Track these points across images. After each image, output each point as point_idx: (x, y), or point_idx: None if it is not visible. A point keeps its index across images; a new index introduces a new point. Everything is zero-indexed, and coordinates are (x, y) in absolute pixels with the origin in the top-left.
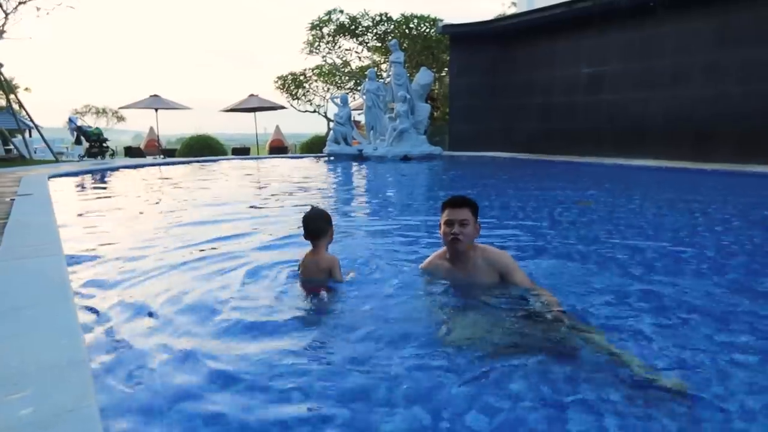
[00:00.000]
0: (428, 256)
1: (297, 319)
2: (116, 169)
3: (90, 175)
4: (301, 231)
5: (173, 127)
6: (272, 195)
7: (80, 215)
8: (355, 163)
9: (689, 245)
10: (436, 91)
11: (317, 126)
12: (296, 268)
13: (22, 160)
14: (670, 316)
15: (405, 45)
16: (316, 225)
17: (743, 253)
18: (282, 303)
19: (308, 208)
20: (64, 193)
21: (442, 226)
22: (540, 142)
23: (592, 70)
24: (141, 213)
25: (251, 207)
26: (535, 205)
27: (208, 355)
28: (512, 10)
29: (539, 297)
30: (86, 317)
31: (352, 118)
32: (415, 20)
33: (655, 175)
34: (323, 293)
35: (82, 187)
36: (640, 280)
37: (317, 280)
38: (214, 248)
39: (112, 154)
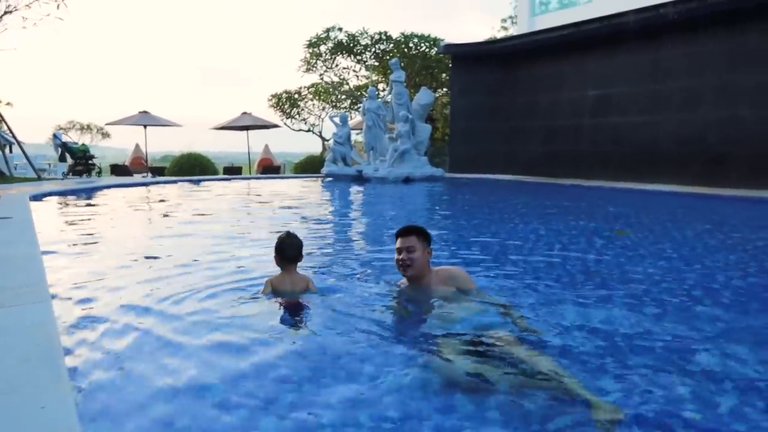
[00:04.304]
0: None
1: (286, 332)
2: (103, 188)
3: (75, 195)
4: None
5: (158, 145)
6: (274, 219)
7: (66, 244)
8: (355, 185)
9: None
10: (434, 111)
11: (309, 145)
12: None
13: (1, 177)
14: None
15: (403, 64)
16: (297, 251)
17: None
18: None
19: (283, 234)
20: (48, 217)
21: (395, 255)
22: (543, 165)
23: (599, 92)
24: (134, 241)
25: (250, 231)
26: (567, 232)
27: None
28: (502, 35)
29: (496, 307)
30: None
31: (351, 138)
32: (415, 39)
33: (674, 200)
34: (302, 303)
35: (68, 209)
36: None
37: (297, 295)
38: (216, 282)
39: (99, 173)
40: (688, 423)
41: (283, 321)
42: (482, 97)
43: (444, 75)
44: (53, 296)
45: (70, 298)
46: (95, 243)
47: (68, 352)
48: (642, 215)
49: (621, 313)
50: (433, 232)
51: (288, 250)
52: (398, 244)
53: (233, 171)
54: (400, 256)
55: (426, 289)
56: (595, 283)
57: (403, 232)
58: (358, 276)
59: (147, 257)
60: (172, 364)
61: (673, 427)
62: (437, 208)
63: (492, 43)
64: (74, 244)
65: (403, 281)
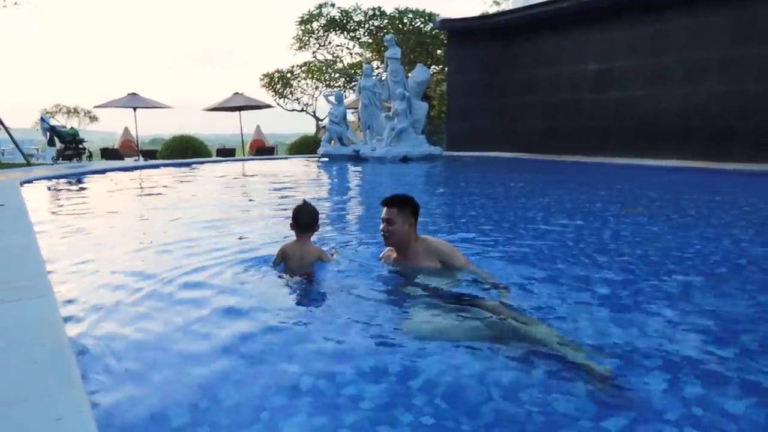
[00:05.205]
0: None
1: (300, 303)
2: (95, 172)
3: (67, 180)
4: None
5: (147, 127)
6: (273, 199)
7: (62, 231)
8: (352, 165)
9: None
10: (429, 89)
11: (301, 125)
12: (272, 262)
13: None
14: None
15: (398, 41)
16: (311, 219)
17: None
18: (283, 292)
19: (300, 202)
20: (41, 203)
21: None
22: (542, 142)
23: (599, 67)
24: (132, 223)
25: (250, 210)
26: (578, 211)
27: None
28: (494, 10)
29: (479, 276)
30: (105, 418)
31: (347, 117)
32: (410, 15)
33: (678, 175)
34: (313, 276)
35: (61, 194)
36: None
37: (306, 266)
38: (218, 258)
39: (89, 157)
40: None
41: (290, 296)
42: (479, 73)
43: (439, 51)
44: (55, 288)
45: (72, 289)
46: (93, 228)
47: (77, 350)
48: (651, 191)
49: (642, 290)
50: (437, 212)
51: (302, 216)
52: (382, 213)
53: (226, 153)
54: (381, 227)
55: (412, 261)
56: (612, 261)
57: (385, 203)
58: (356, 251)
59: (147, 239)
60: (189, 354)
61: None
62: (439, 187)
63: (489, 17)
64: (71, 231)
65: (391, 249)
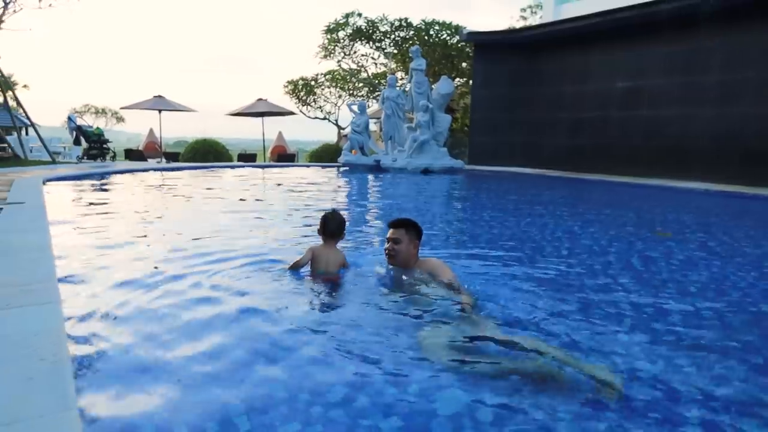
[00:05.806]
0: None
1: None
2: (118, 173)
3: (89, 180)
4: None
5: (171, 129)
6: (296, 205)
7: (78, 232)
8: (373, 175)
9: None
10: (453, 101)
11: (322, 133)
12: (287, 265)
13: (16, 160)
14: None
15: (423, 52)
16: (338, 225)
17: None
18: (309, 296)
19: (329, 210)
20: (60, 202)
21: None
22: (567, 159)
23: (629, 84)
24: (152, 229)
25: (272, 217)
26: (606, 231)
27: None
28: (521, 25)
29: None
30: None
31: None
32: (436, 27)
33: (710, 199)
34: (340, 281)
35: (82, 194)
36: None
37: (333, 272)
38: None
39: (113, 157)
40: None
41: (317, 299)
42: (505, 87)
43: (464, 64)
44: (63, 294)
45: (81, 296)
46: (109, 230)
47: (78, 366)
48: (682, 215)
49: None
50: (455, 227)
51: (329, 224)
52: (388, 234)
53: (248, 158)
54: (387, 246)
55: (409, 278)
56: (643, 288)
57: (393, 224)
58: (375, 259)
59: (165, 243)
60: (204, 383)
61: None
62: (459, 201)
63: (517, 31)
64: (87, 232)
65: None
